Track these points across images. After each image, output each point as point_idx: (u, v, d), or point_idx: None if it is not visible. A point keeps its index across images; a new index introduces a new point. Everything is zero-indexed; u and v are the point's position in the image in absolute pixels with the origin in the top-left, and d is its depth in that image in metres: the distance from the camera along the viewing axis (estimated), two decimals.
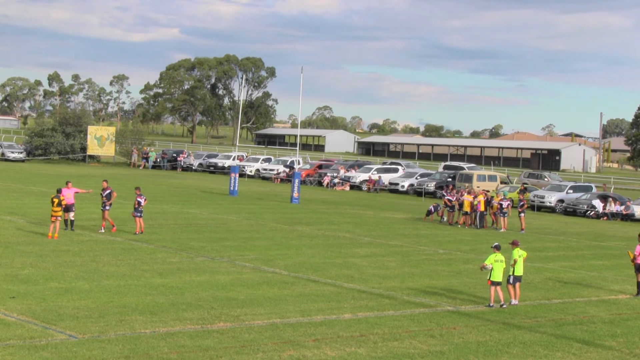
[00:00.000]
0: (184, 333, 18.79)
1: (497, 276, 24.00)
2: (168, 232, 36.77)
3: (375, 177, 74.74)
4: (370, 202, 60.77)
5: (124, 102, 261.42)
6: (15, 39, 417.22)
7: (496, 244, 24.64)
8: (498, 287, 24.09)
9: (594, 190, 66.23)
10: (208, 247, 32.67)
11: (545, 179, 75.96)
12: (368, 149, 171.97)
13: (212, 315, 20.67)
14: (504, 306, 23.94)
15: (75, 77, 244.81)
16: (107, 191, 35.84)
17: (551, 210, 62.51)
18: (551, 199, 63.01)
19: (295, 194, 56.93)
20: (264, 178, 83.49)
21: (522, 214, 46.64)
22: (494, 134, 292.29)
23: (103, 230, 35.34)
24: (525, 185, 66.76)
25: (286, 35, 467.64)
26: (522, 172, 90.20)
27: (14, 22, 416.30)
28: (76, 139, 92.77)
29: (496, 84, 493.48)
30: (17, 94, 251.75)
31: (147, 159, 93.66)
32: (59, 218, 33.34)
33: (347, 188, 74.14)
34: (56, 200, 33.25)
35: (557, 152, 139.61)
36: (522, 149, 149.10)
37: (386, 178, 74.86)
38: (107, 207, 35.57)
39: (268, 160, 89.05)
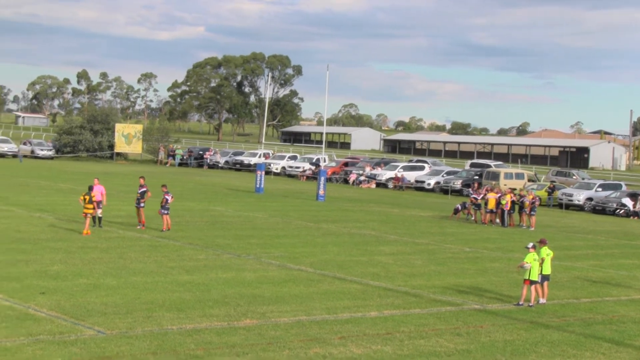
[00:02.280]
0: (210, 330, 18.85)
1: (535, 275, 23.85)
2: (194, 229, 36.89)
3: (400, 174, 74.57)
4: (396, 200, 60.67)
5: (151, 100, 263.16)
6: (43, 38, 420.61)
7: (532, 243, 24.46)
8: (533, 287, 23.93)
9: (624, 188, 65.70)
10: (234, 244, 32.75)
11: (574, 177, 75.47)
12: (394, 146, 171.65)
13: (239, 312, 20.71)
14: (532, 306, 23.82)
15: (104, 75, 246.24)
16: (143, 189, 36.05)
17: (579, 208, 62.10)
18: (580, 197, 62.59)
19: (321, 192, 56.91)
20: (290, 176, 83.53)
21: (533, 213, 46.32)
22: (522, 131, 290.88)
23: (140, 227, 35.63)
24: (553, 183, 66.37)
25: (311, 33, 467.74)
26: (550, 170, 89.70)
27: (42, 21, 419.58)
28: (104, 137, 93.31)
29: (523, 82, 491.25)
30: (47, 92, 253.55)
31: (173, 156, 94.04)
32: (89, 215, 33.60)
33: (373, 186, 74.04)
34: (87, 198, 33.54)
35: (585, 150, 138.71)
36: (550, 146, 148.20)
37: (412, 176, 74.70)
38: (142, 205, 35.80)
39: (294, 157, 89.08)
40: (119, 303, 20.96)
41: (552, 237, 40.05)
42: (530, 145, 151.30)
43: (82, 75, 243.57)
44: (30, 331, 17.81)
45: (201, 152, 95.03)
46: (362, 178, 75.46)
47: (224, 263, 28.16)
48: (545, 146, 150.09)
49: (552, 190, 63.45)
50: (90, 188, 34.28)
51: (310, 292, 23.96)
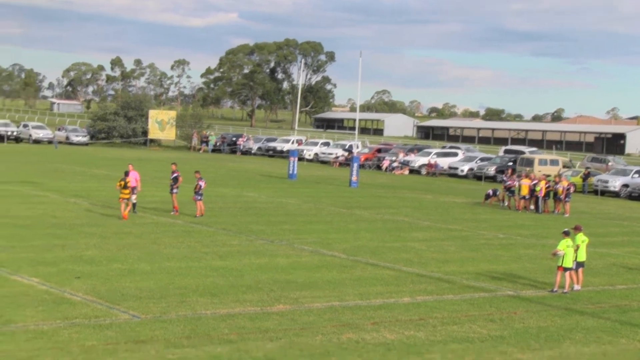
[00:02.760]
0: (243, 315, 18.93)
1: (569, 262, 23.70)
2: (228, 215, 37.04)
3: (434, 161, 74.30)
4: (429, 186, 60.51)
5: (184, 87, 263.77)
6: (78, 25, 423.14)
7: (566, 229, 24.30)
8: (567, 273, 23.78)
9: None
10: (267, 230, 32.84)
11: (609, 163, 74.81)
12: (427, 132, 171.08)
13: (272, 298, 20.79)
14: (566, 292, 23.68)
15: (137, 62, 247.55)
16: (175, 174, 36.26)
17: (615, 195, 61.56)
18: (615, 183, 62.01)
19: (354, 178, 56.89)
20: (323, 162, 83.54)
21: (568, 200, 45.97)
22: (556, 117, 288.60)
23: (174, 212, 35.84)
24: (588, 170, 65.84)
25: (343, 20, 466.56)
26: (585, 156, 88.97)
27: (76, 8, 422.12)
28: (138, 123, 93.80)
29: (558, 67, 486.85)
30: (81, 79, 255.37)
31: (206, 142, 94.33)
32: (126, 200, 33.85)
33: (406, 172, 73.87)
34: (122, 183, 33.76)
35: (621, 136, 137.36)
36: (585, 132, 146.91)
37: (445, 162, 74.43)
38: (175, 190, 36.03)
39: (327, 144, 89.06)
40: (153, 288, 21.12)
41: (587, 224, 39.75)
42: (565, 132, 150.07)
43: (116, 62, 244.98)
44: (66, 315, 18.00)
45: (234, 139, 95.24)
46: (395, 164, 75.30)
47: (257, 249, 28.25)
48: (580, 132, 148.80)
49: (587, 176, 62.96)
50: (127, 174, 34.49)
51: (343, 277, 23.99)
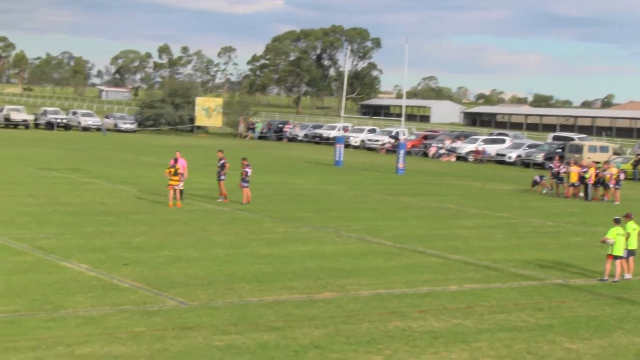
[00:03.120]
0: (290, 302, 18.97)
1: (619, 250, 23.39)
2: (274, 202, 37.13)
3: (481, 148, 73.78)
4: (476, 174, 60.13)
5: (231, 74, 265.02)
6: (126, 13, 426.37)
7: (617, 217, 23.98)
8: (618, 262, 23.47)
9: None
10: (314, 217, 32.88)
11: None
12: (474, 119, 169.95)
13: (318, 285, 20.81)
14: (617, 281, 23.38)
15: (184, 50, 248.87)
16: (222, 161, 36.41)
17: None
18: None
19: (401, 165, 56.73)
20: (369, 149, 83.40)
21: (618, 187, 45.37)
22: (606, 103, 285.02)
23: (221, 199, 36.02)
24: (639, 156, 64.93)
25: (390, 6, 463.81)
26: (637, 142, 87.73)
27: None
28: (185, 110, 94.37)
29: (608, 52, 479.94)
30: (129, 67, 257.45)
31: (253, 129, 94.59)
32: (177, 187, 33.99)
33: (453, 159, 73.48)
34: (172, 170, 33.94)
35: None
36: (636, 119, 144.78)
37: (493, 149, 73.88)
38: (222, 177, 36.16)
39: (373, 131, 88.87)
40: (200, 275, 21.24)
41: (638, 212, 39.21)
42: (615, 118, 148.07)
43: (164, 50, 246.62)
44: (114, 301, 18.18)
45: (280, 125, 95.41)
46: (442, 151, 74.93)
47: (303, 236, 28.29)
48: (631, 118, 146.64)
49: (637, 163, 62.10)
50: (176, 160, 34.60)
51: (389, 265, 23.94)
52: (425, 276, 22.69)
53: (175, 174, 33.92)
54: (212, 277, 21.08)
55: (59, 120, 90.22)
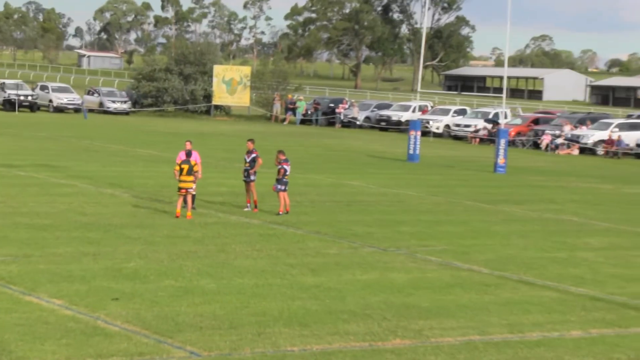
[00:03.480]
0: (345, 352, 18.95)
1: None
2: (322, 212, 37.14)
3: (615, 136, 73.22)
4: (608, 172, 59.65)
5: (262, 33, 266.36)
6: None
7: None
8: None
9: None
10: (378, 233, 32.82)
11: None
12: (605, 96, 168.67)
13: (385, 329, 20.76)
14: None
15: None
16: (252, 155, 36.32)
17: None
18: None
19: (501, 160, 56.47)
20: (457, 137, 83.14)
21: None
22: None
23: (249, 208, 36.04)
24: None
25: None
26: None
27: None
28: (198, 84, 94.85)
29: None
30: (120, 23, 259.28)
31: (293, 110, 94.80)
32: (190, 190, 33.99)
33: (575, 152, 72.98)
34: (185, 167, 33.88)
35: None
36: None
37: (632, 138, 73.22)
38: (253, 178, 35.99)
39: (462, 112, 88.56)
40: (219, 314, 21.29)
41: None
42: None
43: None
44: (99, 351, 18.27)
45: (332, 105, 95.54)
46: (559, 141, 74.48)
47: (363, 260, 28.25)
48: None
49: None
50: (189, 153, 34.29)
51: (484, 301, 23.84)
52: (535, 317, 22.55)
53: (189, 172, 33.84)
54: (236, 317, 21.11)
55: (21, 98, 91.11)
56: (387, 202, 41.26)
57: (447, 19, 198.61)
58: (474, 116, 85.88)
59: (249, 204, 36.25)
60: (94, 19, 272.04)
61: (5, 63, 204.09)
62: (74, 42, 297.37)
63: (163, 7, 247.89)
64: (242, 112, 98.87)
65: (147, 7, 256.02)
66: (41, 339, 18.83)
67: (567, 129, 76.08)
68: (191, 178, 33.81)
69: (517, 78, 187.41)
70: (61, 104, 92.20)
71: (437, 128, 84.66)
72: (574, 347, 20.30)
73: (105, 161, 50.91)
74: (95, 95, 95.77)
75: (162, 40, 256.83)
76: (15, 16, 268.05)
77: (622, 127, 75.31)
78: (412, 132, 61.06)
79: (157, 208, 35.76)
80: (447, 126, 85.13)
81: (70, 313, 20.81)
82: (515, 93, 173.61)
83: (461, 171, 56.29)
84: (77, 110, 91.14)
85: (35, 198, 36.89)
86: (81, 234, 29.93)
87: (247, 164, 36.16)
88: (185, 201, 34.40)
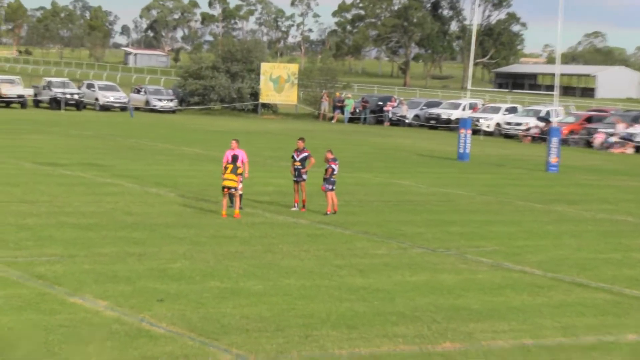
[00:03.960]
0: (394, 356, 18.84)
1: None
2: (371, 212, 37.05)
3: None
4: None
5: (310, 30, 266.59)
6: None
7: None
8: None
9: None
10: (427, 233, 32.70)
11: None
12: None
13: (434, 332, 20.63)
14: None
15: None
16: (304, 154, 36.18)
17: None
18: None
19: (553, 159, 56.19)
20: (508, 136, 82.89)
21: None
22: None
23: (296, 207, 35.97)
24: None
25: None
26: None
27: None
28: (245, 82, 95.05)
29: None
30: (166, 20, 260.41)
31: (341, 108, 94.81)
32: (234, 190, 33.89)
33: (629, 150, 72.53)
34: (230, 167, 33.83)
35: None
36: None
37: None
38: (304, 177, 35.85)
39: (513, 110, 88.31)
40: (265, 316, 21.22)
41: None
42: None
43: None
44: (144, 353, 18.24)
45: (380, 103, 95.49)
46: (613, 139, 74.00)
47: (412, 260, 28.13)
48: None
49: None
50: (235, 159, 34.17)
51: (537, 303, 23.65)
52: (589, 320, 22.35)
53: (234, 171, 33.81)
54: (283, 319, 21.04)
55: (68, 96, 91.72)
56: (437, 201, 41.15)
57: (497, 15, 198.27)
58: (525, 114, 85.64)
59: (296, 204, 36.21)
60: (141, 16, 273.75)
61: (52, 61, 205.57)
62: (120, 40, 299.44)
63: (210, 4, 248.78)
64: (290, 111, 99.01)
65: (194, 4, 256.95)
66: (85, 341, 18.85)
67: (621, 127, 75.58)
68: (235, 177, 33.70)
69: (570, 75, 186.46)
70: (107, 102, 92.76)
71: (488, 126, 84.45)
72: (630, 352, 20.09)
73: (151, 160, 51.11)
74: (142, 93, 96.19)
75: (209, 37, 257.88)
76: (62, 14, 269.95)
77: None
78: (462, 131, 60.91)
79: (203, 207, 35.80)
80: (498, 124, 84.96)
81: (114, 314, 20.81)
82: (567, 91, 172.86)
83: (512, 170, 56.09)
84: (123, 108, 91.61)
85: (81, 197, 37.06)
86: (127, 234, 30.01)
87: (298, 163, 36.02)
88: (231, 200, 34.42)
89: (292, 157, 36.26)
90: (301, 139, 36.61)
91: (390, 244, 30.61)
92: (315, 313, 21.69)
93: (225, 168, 33.97)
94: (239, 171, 34.07)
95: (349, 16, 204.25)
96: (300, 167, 35.84)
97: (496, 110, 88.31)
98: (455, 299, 23.71)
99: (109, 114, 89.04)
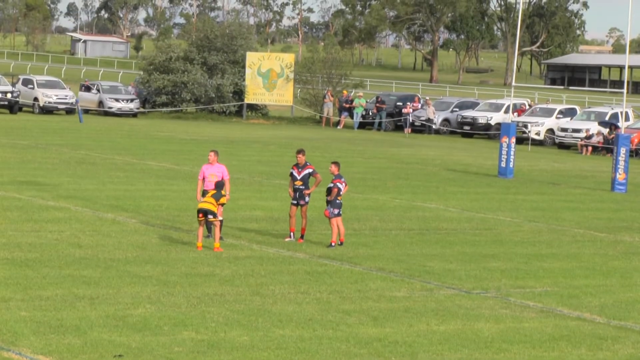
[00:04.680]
0: None
1: None
2: (387, 242, 37.16)
3: None
4: None
5: (310, 10, 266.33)
6: None
7: None
8: None
9: None
10: (460, 271, 32.79)
11: None
12: None
13: None
14: None
15: None
16: (307, 171, 36.14)
17: None
18: None
19: (621, 176, 56.17)
20: (562, 146, 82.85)
21: None
22: None
23: (292, 238, 36.07)
24: None
25: None
26: None
27: None
28: (226, 77, 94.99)
29: None
30: None
31: (350, 110, 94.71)
32: (212, 216, 33.94)
33: None
34: (212, 192, 33.93)
35: None
36: None
37: None
38: (307, 200, 35.85)
39: (570, 112, 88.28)
40: None
41: None
42: None
43: None
44: None
45: (400, 104, 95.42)
46: None
47: (440, 305, 28.22)
48: None
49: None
50: (220, 186, 34.22)
51: (599, 359, 23.73)
52: None
53: (216, 197, 33.79)
54: None
55: (0, 96, 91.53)
56: (472, 229, 41.23)
57: None
58: (585, 118, 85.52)
59: (292, 233, 36.25)
60: None
61: None
62: (66, 23, 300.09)
63: None
64: (284, 114, 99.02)
65: None
66: None
67: None
68: (214, 201, 33.74)
69: None
70: (49, 103, 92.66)
71: (537, 133, 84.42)
72: None
73: (106, 177, 51.10)
74: (94, 91, 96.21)
75: (180, 20, 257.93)
76: None
77: None
78: (505, 139, 60.90)
79: (173, 238, 35.88)
80: (551, 131, 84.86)
81: None
82: (639, 87, 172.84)
83: (569, 190, 56.11)
84: (69, 111, 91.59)
85: (16, 225, 37.07)
86: (75, 272, 30.04)
87: (300, 182, 35.94)
88: (209, 229, 34.53)
89: (291, 174, 36.19)
90: (301, 151, 36.29)
91: (413, 284, 30.70)
92: None
93: (204, 192, 34.08)
94: (222, 200, 34.08)
95: None
96: (302, 187, 35.87)
97: (548, 112, 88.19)
98: (495, 353, 23.79)
99: (52, 118, 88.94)
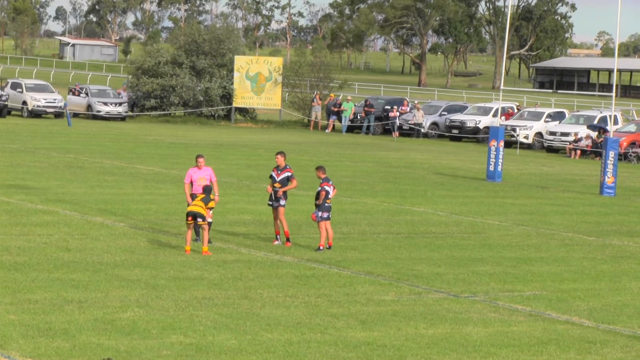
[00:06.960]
0: None
1: None
2: (376, 246, 37.17)
3: None
4: None
5: (298, 14, 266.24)
6: None
7: None
8: None
9: None
10: (448, 274, 32.81)
11: None
12: None
13: None
14: None
15: None
16: (285, 174, 36.29)
17: None
18: None
19: (609, 180, 56.23)
20: (551, 149, 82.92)
21: None
22: None
23: (279, 241, 36.08)
24: None
25: None
26: None
27: None
28: (214, 80, 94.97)
29: None
30: (114, 1, 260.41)
31: (338, 114, 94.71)
32: (201, 219, 33.95)
33: None
34: (201, 196, 33.92)
35: None
36: None
37: None
38: (282, 202, 36.03)
39: (558, 116, 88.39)
40: None
41: None
42: None
43: None
44: None
45: (388, 107, 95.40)
46: None
47: (428, 309, 28.23)
48: None
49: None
50: (208, 190, 34.16)
51: None
52: None
53: (205, 201, 33.79)
54: None
55: None
56: (461, 233, 41.26)
57: None
58: (574, 121, 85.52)
59: (279, 236, 36.30)
60: None
61: None
62: (54, 26, 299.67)
63: None
64: (272, 117, 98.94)
65: None
66: None
67: None
68: (203, 205, 33.71)
69: (631, 71, 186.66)
70: (38, 106, 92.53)
71: (526, 137, 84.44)
72: None
73: (95, 181, 51.05)
74: (82, 95, 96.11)
75: (168, 24, 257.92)
76: None
77: None
78: (493, 143, 60.93)
79: (162, 242, 35.87)
80: (539, 134, 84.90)
81: None
82: (628, 91, 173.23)
83: (557, 193, 56.19)
84: (58, 114, 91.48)
85: (5, 229, 37.06)
86: (63, 275, 30.03)
87: (278, 184, 35.98)
88: (197, 233, 34.51)
89: (271, 176, 36.34)
90: (280, 153, 36.48)
91: (401, 288, 30.71)
92: None
93: (193, 196, 34.05)
94: (211, 205, 34.07)
95: None
96: (278, 187, 35.91)
97: (537, 116, 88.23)
98: (483, 357, 23.80)
99: (40, 122, 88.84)
